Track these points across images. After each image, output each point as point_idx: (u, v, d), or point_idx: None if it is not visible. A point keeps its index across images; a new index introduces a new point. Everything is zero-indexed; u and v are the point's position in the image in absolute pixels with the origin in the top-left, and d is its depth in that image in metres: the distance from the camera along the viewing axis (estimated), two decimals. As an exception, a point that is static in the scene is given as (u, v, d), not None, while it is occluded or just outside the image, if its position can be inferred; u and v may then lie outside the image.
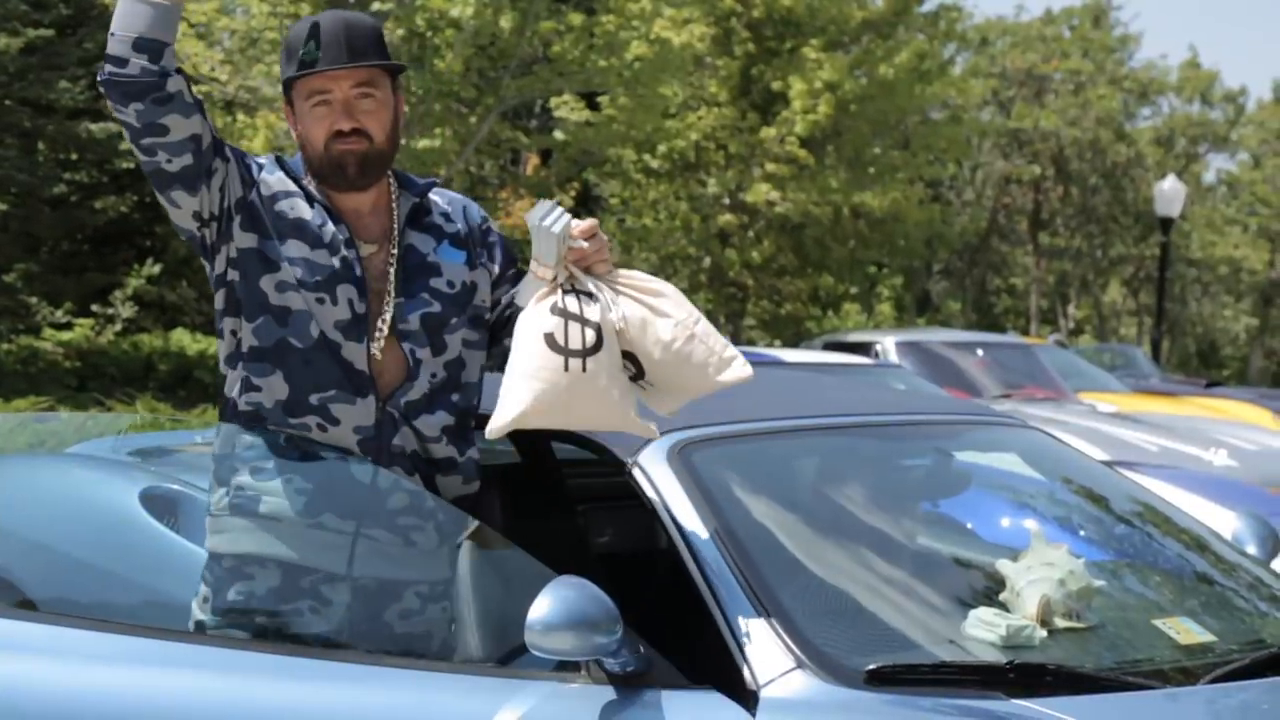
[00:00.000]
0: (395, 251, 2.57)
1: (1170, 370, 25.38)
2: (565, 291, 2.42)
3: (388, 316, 2.54)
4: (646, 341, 2.43)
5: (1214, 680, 2.34)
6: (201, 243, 2.53)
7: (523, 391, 2.38)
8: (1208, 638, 2.54)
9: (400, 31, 13.08)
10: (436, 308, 2.57)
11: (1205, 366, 33.64)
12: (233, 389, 2.56)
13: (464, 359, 2.61)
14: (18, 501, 3.42)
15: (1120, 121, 30.48)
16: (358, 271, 2.52)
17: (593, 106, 16.57)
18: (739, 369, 2.46)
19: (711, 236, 19.06)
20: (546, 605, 2.13)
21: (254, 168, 2.56)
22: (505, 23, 13.36)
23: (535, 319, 2.41)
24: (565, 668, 2.24)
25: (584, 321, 2.40)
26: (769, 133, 18.10)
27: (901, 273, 27.87)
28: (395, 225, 2.58)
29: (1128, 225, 30.71)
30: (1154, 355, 18.61)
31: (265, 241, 2.51)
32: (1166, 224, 18.60)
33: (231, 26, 14.16)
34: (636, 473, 2.60)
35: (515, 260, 2.73)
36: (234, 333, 2.54)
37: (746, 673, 2.22)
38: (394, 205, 2.60)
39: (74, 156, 17.21)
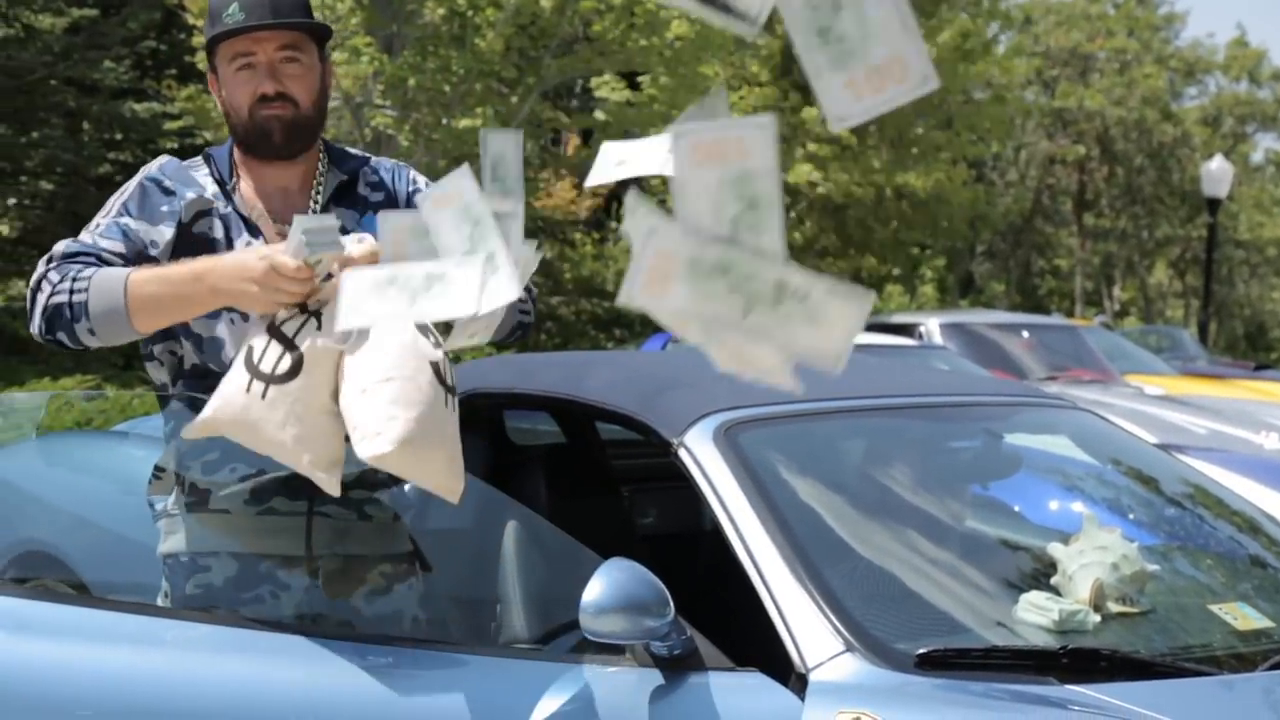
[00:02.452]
0: None
1: (1217, 353, 25.09)
2: (298, 309, 2.17)
3: None
4: (345, 385, 2.14)
5: (1272, 667, 2.30)
6: None
7: (214, 395, 2.21)
8: (1265, 623, 2.49)
9: (441, 11, 13.06)
10: None
11: (1253, 349, 33.27)
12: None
13: None
14: (66, 479, 3.44)
15: (1166, 101, 30.16)
16: None
17: (633, 86, 16.50)
18: (373, 446, 2.06)
19: (753, 217, 18.94)
20: (599, 588, 2.12)
21: (172, 204, 2.44)
22: (546, 2, 13.32)
23: (252, 326, 2.24)
24: (610, 650, 2.22)
25: (289, 345, 2.15)
26: (811, 113, 17.97)
27: (944, 254, 27.68)
28: (312, 204, 2.48)
29: (1174, 206, 30.40)
30: (1201, 337, 18.42)
31: None
32: (1214, 205, 18.39)
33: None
34: (682, 454, 2.57)
35: None
36: (173, 353, 2.48)
37: (795, 656, 2.20)
38: (316, 182, 2.50)
39: (118, 136, 17.30)
